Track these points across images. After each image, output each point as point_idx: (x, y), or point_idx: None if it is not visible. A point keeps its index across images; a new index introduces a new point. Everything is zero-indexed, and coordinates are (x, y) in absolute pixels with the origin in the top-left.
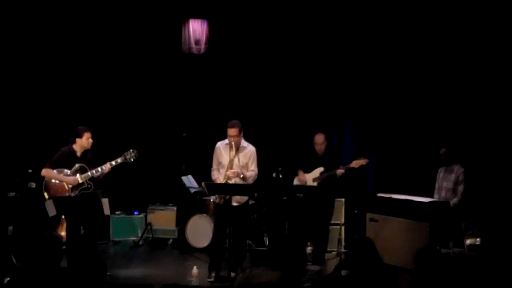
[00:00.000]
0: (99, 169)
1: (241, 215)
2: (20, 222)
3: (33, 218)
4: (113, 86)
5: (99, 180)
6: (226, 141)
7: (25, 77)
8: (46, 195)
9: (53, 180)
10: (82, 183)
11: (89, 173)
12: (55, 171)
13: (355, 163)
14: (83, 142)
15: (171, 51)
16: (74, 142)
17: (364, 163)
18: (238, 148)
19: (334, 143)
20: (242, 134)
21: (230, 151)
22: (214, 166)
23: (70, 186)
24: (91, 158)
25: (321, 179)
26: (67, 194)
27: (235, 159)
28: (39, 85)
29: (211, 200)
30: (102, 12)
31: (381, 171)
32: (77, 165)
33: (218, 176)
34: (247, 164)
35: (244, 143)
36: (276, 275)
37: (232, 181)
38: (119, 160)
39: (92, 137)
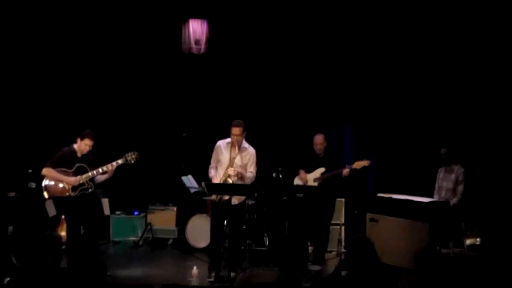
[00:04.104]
0: (100, 169)
1: (239, 213)
2: (20, 222)
3: (33, 218)
4: (113, 86)
5: (98, 183)
6: (228, 140)
7: (26, 77)
8: (45, 194)
9: (53, 181)
10: (83, 183)
11: (89, 173)
12: (56, 170)
13: (357, 164)
14: (81, 146)
15: (171, 51)
16: (76, 142)
17: (367, 164)
18: (239, 148)
19: (334, 144)
20: (244, 134)
21: (231, 149)
22: (213, 164)
23: (71, 186)
24: (92, 160)
25: (322, 179)
26: (67, 194)
27: (236, 158)
28: (39, 85)
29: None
30: (102, 12)
31: (381, 171)
32: (77, 165)
33: (215, 174)
34: (246, 165)
35: (245, 144)
36: (276, 275)
37: (231, 179)
38: (120, 161)
39: (93, 146)
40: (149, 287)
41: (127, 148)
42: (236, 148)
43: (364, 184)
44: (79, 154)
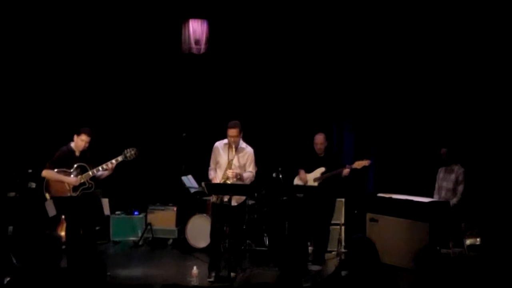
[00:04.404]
0: (100, 168)
1: (239, 214)
2: (20, 222)
3: (33, 218)
4: (113, 86)
5: (100, 180)
6: (225, 141)
7: (25, 77)
8: (47, 195)
9: (54, 182)
10: (83, 183)
11: (90, 172)
12: (55, 171)
13: (358, 164)
14: (77, 142)
15: (171, 51)
16: (73, 140)
17: (367, 164)
18: (236, 149)
19: (334, 144)
20: (241, 135)
21: (229, 151)
22: (212, 165)
23: (72, 186)
24: (90, 158)
25: (322, 179)
26: (69, 194)
27: (234, 159)
28: (39, 85)
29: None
30: (102, 12)
31: (381, 171)
32: (77, 165)
33: (215, 176)
34: (245, 165)
35: (242, 144)
36: (276, 275)
37: (230, 181)
38: (119, 158)
39: (90, 142)
40: (149, 287)
41: (127, 148)
42: (234, 149)
43: (364, 184)
44: (77, 153)
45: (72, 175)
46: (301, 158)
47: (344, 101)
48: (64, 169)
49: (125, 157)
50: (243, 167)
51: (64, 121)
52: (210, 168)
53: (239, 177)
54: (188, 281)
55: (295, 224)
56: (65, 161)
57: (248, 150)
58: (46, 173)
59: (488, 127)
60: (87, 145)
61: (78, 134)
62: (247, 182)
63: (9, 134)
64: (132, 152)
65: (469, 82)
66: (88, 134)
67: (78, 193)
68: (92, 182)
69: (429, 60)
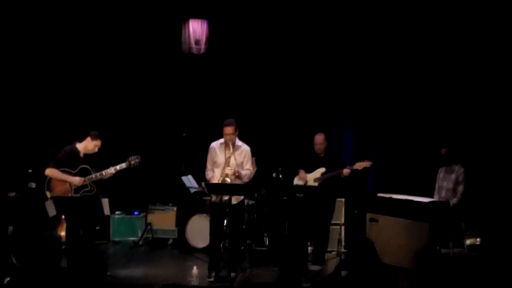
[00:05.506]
0: (103, 172)
1: (237, 212)
2: (20, 222)
3: (33, 218)
4: (113, 86)
5: (101, 181)
6: (221, 140)
7: (26, 77)
8: (48, 194)
9: (56, 181)
10: (85, 185)
11: (93, 176)
12: (59, 170)
13: (359, 165)
14: (89, 145)
15: (171, 51)
16: (81, 141)
17: (368, 165)
18: (233, 147)
19: (334, 144)
20: (237, 133)
21: (226, 149)
22: (209, 166)
23: (74, 186)
24: (91, 162)
25: (322, 179)
26: (70, 195)
27: (231, 158)
28: (39, 86)
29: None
30: (102, 13)
31: (381, 171)
32: (80, 166)
33: (213, 176)
34: (242, 163)
35: (238, 142)
36: (276, 275)
37: (229, 179)
38: (124, 165)
39: (100, 148)
40: (149, 287)
41: (127, 148)
42: (231, 147)
43: (364, 184)
44: (81, 155)
45: (76, 176)
46: (301, 158)
47: (344, 101)
48: (68, 169)
49: (129, 164)
50: (240, 165)
51: (64, 121)
52: (207, 169)
53: (237, 174)
54: (188, 281)
55: (295, 224)
56: (69, 162)
57: (245, 148)
58: (50, 171)
59: (488, 127)
60: (97, 149)
61: (94, 138)
62: (245, 179)
63: (9, 134)
64: (137, 160)
65: (469, 82)
66: (102, 139)
67: (79, 194)
68: (94, 186)
69: (429, 61)
